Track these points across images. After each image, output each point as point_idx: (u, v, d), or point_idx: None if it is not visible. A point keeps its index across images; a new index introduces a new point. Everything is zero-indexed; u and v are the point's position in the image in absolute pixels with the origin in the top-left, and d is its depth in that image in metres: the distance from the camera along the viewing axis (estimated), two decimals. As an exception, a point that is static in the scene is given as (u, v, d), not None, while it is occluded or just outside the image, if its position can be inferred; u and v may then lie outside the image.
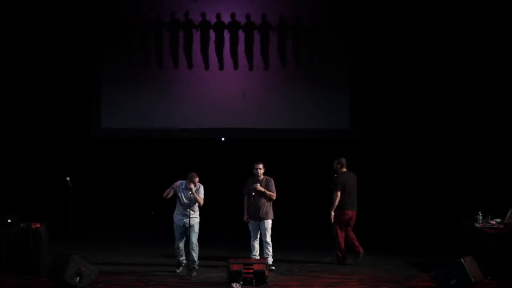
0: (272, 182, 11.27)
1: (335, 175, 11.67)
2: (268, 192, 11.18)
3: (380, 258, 11.91)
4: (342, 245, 11.64)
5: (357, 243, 11.63)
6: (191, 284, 10.36)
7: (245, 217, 11.25)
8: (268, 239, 11.21)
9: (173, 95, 14.27)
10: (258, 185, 11.18)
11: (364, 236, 13.59)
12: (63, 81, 14.18)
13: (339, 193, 11.50)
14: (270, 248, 11.23)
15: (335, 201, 11.50)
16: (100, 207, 14.24)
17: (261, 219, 11.20)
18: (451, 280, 9.69)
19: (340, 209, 11.54)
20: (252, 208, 11.19)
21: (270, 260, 11.13)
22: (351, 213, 11.62)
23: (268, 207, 11.23)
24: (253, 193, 11.13)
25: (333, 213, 11.51)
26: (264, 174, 11.33)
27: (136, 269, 11.10)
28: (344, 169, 11.70)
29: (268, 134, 14.31)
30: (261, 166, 11.23)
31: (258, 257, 11.11)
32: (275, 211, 11.26)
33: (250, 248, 11.29)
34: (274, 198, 11.25)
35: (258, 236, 11.29)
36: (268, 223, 11.23)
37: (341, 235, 11.61)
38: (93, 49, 14.18)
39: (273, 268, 11.12)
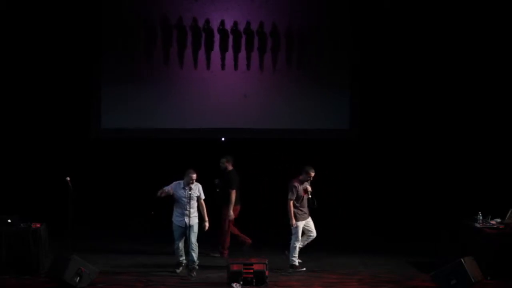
0: None
1: (227, 173, 11.84)
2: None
3: (380, 258, 11.91)
4: (229, 240, 11.93)
5: (243, 235, 12.05)
6: (191, 284, 10.37)
7: (293, 222, 11.12)
8: None
9: (173, 95, 14.26)
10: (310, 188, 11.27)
11: (364, 236, 13.65)
12: (63, 81, 14.18)
13: (235, 191, 11.81)
14: None
15: (233, 198, 11.80)
16: (100, 207, 14.23)
17: (308, 217, 11.29)
18: (451, 280, 9.69)
19: (234, 206, 11.85)
20: (304, 210, 11.21)
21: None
22: (239, 208, 12.02)
23: None
24: (310, 196, 11.21)
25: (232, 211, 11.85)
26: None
27: (136, 269, 11.10)
28: (231, 167, 11.89)
29: (268, 134, 14.30)
30: (314, 174, 11.24)
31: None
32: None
33: (291, 251, 11.17)
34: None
35: None
36: None
37: (229, 231, 11.91)
38: (93, 49, 14.18)
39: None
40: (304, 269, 11.11)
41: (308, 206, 11.24)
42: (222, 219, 12.02)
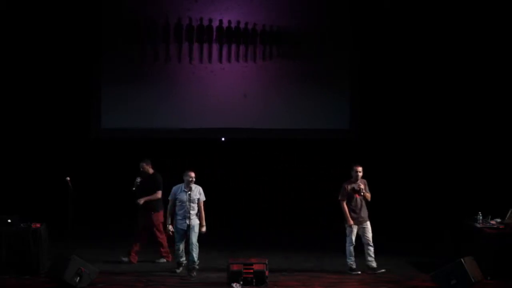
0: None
1: (151, 175, 11.47)
2: (367, 194, 11.04)
3: (380, 258, 11.88)
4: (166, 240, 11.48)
5: (135, 250, 11.53)
6: (191, 284, 10.36)
7: (350, 222, 10.89)
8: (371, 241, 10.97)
9: (173, 95, 14.27)
10: (362, 185, 10.96)
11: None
12: (63, 81, 14.19)
13: (161, 192, 11.41)
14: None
15: (154, 198, 11.37)
16: (100, 207, 14.23)
17: (364, 222, 10.99)
18: (451, 280, 9.69)
19: (158, 210, 11.44)
20: (356, 212, 10.96)
21: (374, 263, 10.94)
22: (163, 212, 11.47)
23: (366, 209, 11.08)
24: (362, 194, 10.97)
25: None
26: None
27: (136, 269, 11.09)
28: (152, 170, 11.57)
29: (268, 134, 14.31)
30: (361, 169, 10.97)
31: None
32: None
33: (346, 254, 10.93)
34: (369, 199, 11.08)
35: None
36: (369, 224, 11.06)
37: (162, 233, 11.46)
38: (93, 49, 14.18)
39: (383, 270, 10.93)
40: (360, 272, 10.88)
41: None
42: (154, 225, 11.45)
